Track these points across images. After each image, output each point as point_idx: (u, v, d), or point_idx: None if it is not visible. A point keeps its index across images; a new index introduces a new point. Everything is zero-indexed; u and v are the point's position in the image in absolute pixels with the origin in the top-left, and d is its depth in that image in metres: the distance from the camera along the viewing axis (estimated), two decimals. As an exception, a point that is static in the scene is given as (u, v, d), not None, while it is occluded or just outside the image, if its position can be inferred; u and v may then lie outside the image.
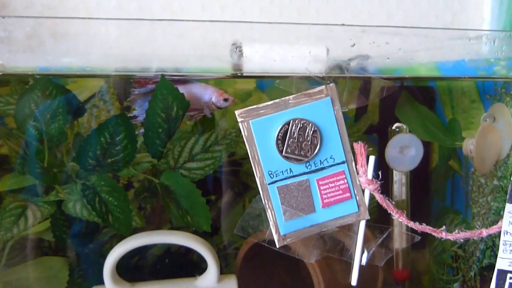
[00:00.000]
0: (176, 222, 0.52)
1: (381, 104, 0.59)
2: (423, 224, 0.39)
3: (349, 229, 0.39)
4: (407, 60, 0.37)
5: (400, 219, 0.38)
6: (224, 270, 0.62)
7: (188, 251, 0.51)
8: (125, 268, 0.51)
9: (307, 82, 0.35)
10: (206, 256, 0.45)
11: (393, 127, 0.41)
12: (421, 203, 0.64)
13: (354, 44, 0.36)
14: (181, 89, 0.42)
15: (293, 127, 0.35)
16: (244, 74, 0.44)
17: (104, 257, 0.44)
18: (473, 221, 0.54)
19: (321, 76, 0.35)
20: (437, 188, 0.60)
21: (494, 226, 0.42)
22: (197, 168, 0.43)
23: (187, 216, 0.41)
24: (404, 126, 0.41)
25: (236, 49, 0.40)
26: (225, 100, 0.43)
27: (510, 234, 0.41)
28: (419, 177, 0.63)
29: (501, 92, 0.47)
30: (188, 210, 0.41)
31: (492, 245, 0.51)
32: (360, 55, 0.46)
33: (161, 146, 0.41)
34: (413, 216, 0.64)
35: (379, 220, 0.44)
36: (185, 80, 0.43)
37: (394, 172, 0.42)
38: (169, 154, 0.43)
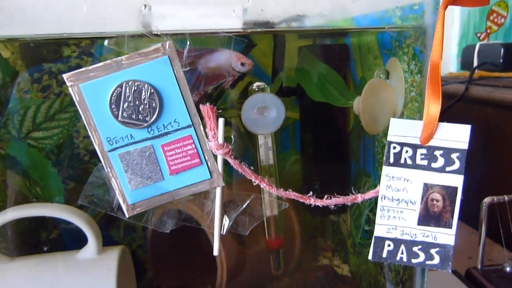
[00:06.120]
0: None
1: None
2: (289, 190, 0.37)
3: (205, 197, 0.37)
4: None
5: (261, 184, 0.36)
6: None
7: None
8: (33, 243, 0.49)
9: (140, 41, 0.33)
10: (83, 228, 0.43)
11: (253, 87, 0.37)
12: (342, 167, 0.61)
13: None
14: (210, 58, 0.38)
15: (127, 90, 0.33)
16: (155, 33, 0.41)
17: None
18: (380, 183, 0.51)
19: (157, 33, 0.32)
20: (353, 151, 0.58)
21: (370, 191, 0.40)
22: (44, 138, 0.40)
23: (36, 187, 0.40)
24: (266, 85, 0.38)
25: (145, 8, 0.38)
26: (242, 64, 0.38)
27: (388, 198, 0.39)
28: (339, 140, 0.61)
29: (396, 46, 0.44)
30: (38, 181, 0.40)
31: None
32: (295, 15, 0.42)
33: (-6, 115, 0.39)
34: (335, 180, 0.62)
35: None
36: (211, 50, 0.39)
37: (259, 136, 0.39)
38: (8, 123, 0.40)
